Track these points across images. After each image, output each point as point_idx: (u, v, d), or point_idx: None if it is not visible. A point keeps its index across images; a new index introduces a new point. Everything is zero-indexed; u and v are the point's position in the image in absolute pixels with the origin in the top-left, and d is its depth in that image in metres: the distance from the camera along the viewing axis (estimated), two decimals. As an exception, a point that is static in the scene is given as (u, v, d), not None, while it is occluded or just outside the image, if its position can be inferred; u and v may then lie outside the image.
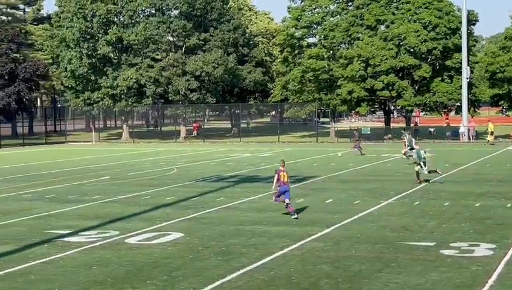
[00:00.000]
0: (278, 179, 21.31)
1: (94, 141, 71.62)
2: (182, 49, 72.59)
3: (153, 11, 74.29)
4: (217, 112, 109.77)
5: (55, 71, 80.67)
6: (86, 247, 17.23)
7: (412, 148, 37.52)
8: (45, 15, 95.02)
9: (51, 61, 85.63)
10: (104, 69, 72.10)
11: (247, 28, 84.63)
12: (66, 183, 32.09)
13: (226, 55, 71.68)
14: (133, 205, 24.43)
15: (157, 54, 72.26)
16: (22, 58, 72.95)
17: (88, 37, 71.26)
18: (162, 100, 74.51)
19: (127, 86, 70.67)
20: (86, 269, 14.94)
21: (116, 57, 73.66)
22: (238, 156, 48.42)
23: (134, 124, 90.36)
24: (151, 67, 71.09)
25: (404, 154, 40.19)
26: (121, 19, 73.20)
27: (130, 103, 73.05)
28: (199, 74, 70.20)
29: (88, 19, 70.59)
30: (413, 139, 40.65)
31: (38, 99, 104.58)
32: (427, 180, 29.65)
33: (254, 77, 76.58)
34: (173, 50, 72.41)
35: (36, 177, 35.12)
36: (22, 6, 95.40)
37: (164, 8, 73.16)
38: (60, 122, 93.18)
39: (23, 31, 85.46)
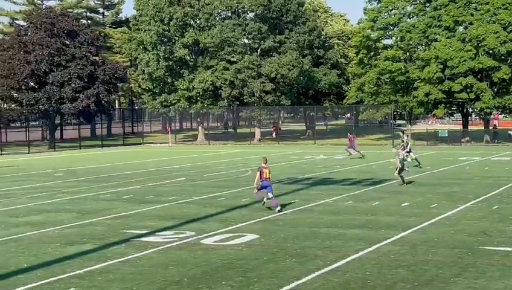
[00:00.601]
0: (261, 176, 23.47)
1: (170, 142, 72.50)
2: (257, 52, 72.85)
3: (229, 14, 74.76)
4: (292, 114, 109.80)
5: (133, 74, 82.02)
6: (162, 247, 17.44)
7: (409, 151, 38.74)
8: (123, 18, 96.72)
9: (129, 64, 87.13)
10: (181, 72, 72.94)
11: (323, 30, 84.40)
12: (143, 184, 32.57)
13: (301, 57, 71.64)
14: (208, 206, 24.62)
15: (233, 56, 72.71)
16: (101, 61, 74.37)
17: (165, 40, 72.20)
18: (237, 102, 74.93)
19: (203, 88, 71.31)
20: (162, 268, 15.13)
21: (192, 60, 74.43)
22: (313, 158, 48.29)
23: (210, 126, 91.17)
24: (227, 69, 71.55)
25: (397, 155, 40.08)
26: (197, 22, 73.91)
27: (205, 105, 73.69)
28: (274, 76, 70.34)
29: (165, 22, 71.51)
30: (409, 142, 41.55)
31: (117, 102, 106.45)
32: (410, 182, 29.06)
33: (329, 79, 76.31)
34: (248, 52, 72.73)
35: (114, 178, 35.74)
36: (101, 10, 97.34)
37: (240, 10, 73.57)
38: (137, 124, 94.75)
39: (102, 34, 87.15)
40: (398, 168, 30.56)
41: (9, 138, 69.86)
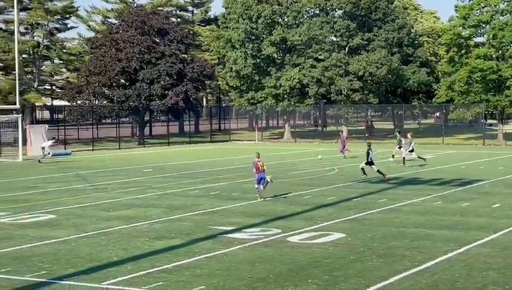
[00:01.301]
0: (256, 168, 25.81)
1: (257, 139, 72.83)
2: (345, 49, 72.43)
3: (317, 12, 74.55)
4: (379, 113, 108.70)
5: (220, 71, 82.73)
6: (249, 244, 17.55)
7: (412, 150, 39.93)
8: (212, 16, 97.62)
9: (217, 61, 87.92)
10: (268, 69, 73.16)
11: (412, 28, 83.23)
12: (230, 181, 32.83)
13: (389, 55, 70.86)
14: (294, 204, 24.64)
15: (320, 54, 72.43)
16: (189, 58, 75.27)
17: (253, 37, 72.55)
18: (324, 100, 74.66)
19: (290, 86, 71.35)
20: (249, 265, 15.22)
21: (279, 57, 74.56)
22: (400, 157, 47.63)
23: (296, 123, 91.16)
24: (314, 67, 71.37)
25: (393, 156, 41.81)
26: (285, 20, 73.98)
27: (292, 103, 73.68)
28: (362, 74, 69.81)
29: (253, 20, 71.86)
30: (402, 139, 42.49)
31: (204, 99, 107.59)
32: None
33: (418, 78, 75.24)
34: (336, 50, 72.37)
35: (202, 174, 36.14)
36: (190, 8, 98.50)
37: (328, 8, 73.28)
38: (225, 121, 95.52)
39: (191, 32, 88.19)
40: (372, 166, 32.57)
41: (101, 134, 71.47)
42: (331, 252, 16.49)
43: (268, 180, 26.16)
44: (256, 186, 26.11)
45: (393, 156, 44.00)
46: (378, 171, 32.64)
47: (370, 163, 32.94)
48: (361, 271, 14.61)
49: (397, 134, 44.90)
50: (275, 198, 26.24)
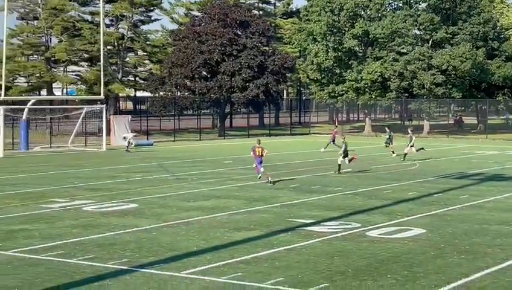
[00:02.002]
0: (255, 154, 29.39)
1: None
2: (428, 43, 71.31)
3: (400, 4, 73.59)
4: (462, 108, 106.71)
5: (301, 64, 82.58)
6: (328, 237, 17.53)
7: (412, 146, 40.36)
8: (294, 9, 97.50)
9: (298, 54, 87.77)
10: (349, 63, 72.65)
11: (498, 21, 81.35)
12: (309, 174, 32.81)
13: (474, 49, 69.45)
14: (374, 199, 24.48)
15: (403, 48, 71.46)
16: (271, 51, 75.35)
17: (335, 30, 72.15)
18: (406, 94, 73.69)
19: (371, 79, 70.69)
20: (327, 258, 15.20)
21: (361, 51, 73.95)
22: (484, 153, 46.78)
23: (377, 117, 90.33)
24: (396, 61, 70.52)
25: (393, 151, 41.71)
26: (368, 13, 73.31)
27: (373, 97, 73.02)
28: (445, 68, 68.63)
29: (335, 12, 71.47)
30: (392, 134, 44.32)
31: (285, 92, 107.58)
32: None
33: (503, 72, 73.44)
34: (419, 44, 71.31)
35: (281, 167, 36.19)
36: (272, 1, 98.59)
37: (412, 1, 72.25)
38: (305, 114, 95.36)
39: (273, 24, 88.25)
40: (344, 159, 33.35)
41: (182, 125, 72.32)
42: (411, 248, 16.33)
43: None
44: (255, 166, 29.92)
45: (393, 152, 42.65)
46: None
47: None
48: (441, 267, 14.42)
49: (387, 129, 45.47)
50: (356, 192, 26.10)
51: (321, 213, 21.16)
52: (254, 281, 13.29)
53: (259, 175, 29.67)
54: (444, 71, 69.04)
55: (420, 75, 69.49)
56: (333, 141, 46.17)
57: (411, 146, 40.59)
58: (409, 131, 42.76)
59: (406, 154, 40.52)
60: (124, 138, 48.08)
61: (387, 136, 44.15)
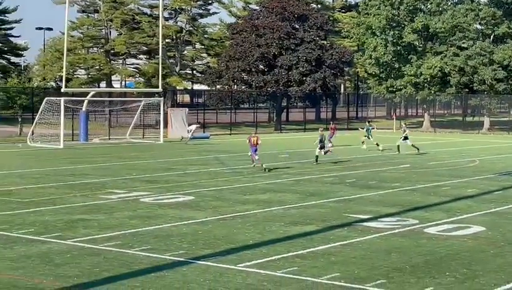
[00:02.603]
0: (250, 143, 31.62)
1: (395, 128, 71.80)
2: (489, 38, 70.16)
3: (462, -1, 72.63)
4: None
5: (359, 58, 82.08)
6: (385, 233, 17.36)
7: (406, 138, 41.53)
8: (353, 3, 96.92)
9: (356, 48, 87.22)
10: (408, 57, 71.90)
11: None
12: (366, 169, 32.57)
13: (537, 44, 68.09)
14: (432, 195, 24.18)
15: (464, 43, 70.48)
16: (328, 45, 75.04)
17: (394, 24, 71.46)
18: (466, 90, 72.63)
19: (431, 74, 69.86)
20: (385, 255, 15.05)
21: (421, 45, 73.12)
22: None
23: (436, 113, 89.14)
24: (457, 55, 69.55)
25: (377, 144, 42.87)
26: (428, 7, 72.45)
27: (432, 92, 72.18)
28: (507, 64, 67.44)
29: (395, 6, 70.79)
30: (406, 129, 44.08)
31: (342, 86, 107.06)
32: None
33: None
34: (480, 38, 70.20)
35: (338, 161, 36.00)
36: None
37: (473, -5, 71.23)
38: (362, 109, 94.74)
39: (331, 18, 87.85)
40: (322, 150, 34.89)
41: (238, 118, 72.51)
42: (470, 246, 16.07)
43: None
44: (250, 154, 32.24)
45: (363, 143, 45.03)
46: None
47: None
48: (501, 266, 14.16)
49: (367, 124, 46.98)
50: (414, 188, 25.81)
51: (378, 209, 20.98)
52: (310, 275, 13.22)
53: (254, 163, 31.88)
54: (505, 67, 67.87)
55: (481, 70, 68.42)
56: (331, 137, 45.29)
57: (404, 139, 41.87)
58: (403, 125, 44.15)
59: (398, 146, 41.69)
60: (188, 131, 48.46)
61: (367, 129, 45.33)
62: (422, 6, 72.56)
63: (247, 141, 32.28)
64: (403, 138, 42.06)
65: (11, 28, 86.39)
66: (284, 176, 29.24)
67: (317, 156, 34.60)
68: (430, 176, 30.15)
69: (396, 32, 71.23)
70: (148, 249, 15.13)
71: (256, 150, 31.67)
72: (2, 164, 32.88)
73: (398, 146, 41.62)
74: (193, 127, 48.96)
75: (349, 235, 17.08)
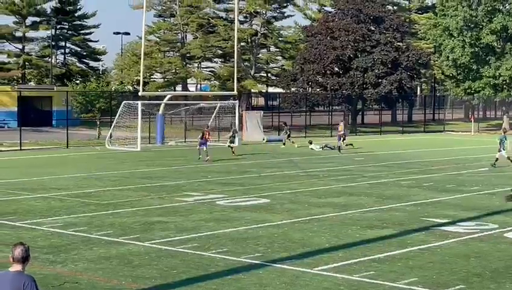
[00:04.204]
0: (203, 136, 35.95)
1: (473, 131, 70.53)
2: None
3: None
4: None
5: (436, 60, 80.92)
6: (463, 238, 17.07)
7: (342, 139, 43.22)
8: (430, 4, 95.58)
9: (432, 50, 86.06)
10: (487, 58, 70.55)
11: None
12: (444, 173, 32.10)
13: None
14: (514, 199, 23.63)
15: (544, 43, 68.85)
16: (405, 46, 74.25)
17: (472, 25, 70.20)
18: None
19: (510, 76, 68.40)
20: (463, 259, 14.79)
21: (499, 46, 71.67)
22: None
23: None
24: (537, 56, 67.96)
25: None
26: (507, 7, 70.96)
27: (511, 94, 70.66)
28: None
29: (473, 7, 69.55)
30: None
31: (418, 88, 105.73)
32: None
33: None
34: (562, 39, 68.45)
35: (414, 165, 35.60)
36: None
37: (554, -6, 69.45)
38: (439, 111, 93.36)
39: (407, 20, 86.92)
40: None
41: (313, 121, 72.33)
42: (553, 252, 15.66)
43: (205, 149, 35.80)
44: (198, 148, 36.39)
45: (283, 144, 47.40)
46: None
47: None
48: None
49: (283, 126, 48.97)
50: (493, 192, 25.29)
51: (456, 213, 20.64)
52: (387, 280, 13.10)
53: (200, 155, 35.88)
54: None
55: (562, 71, 66.62)
56: (343, 139, 44.37)
57: (343, 140, 43.53)
58: (341, 124, 44.80)
59: (339, 147, 43.06)
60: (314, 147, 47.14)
61: (285, 132, 46.69)
62: (501, 7, 71.08)
63: (200, 135, 36.79)
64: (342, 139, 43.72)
65: (90, 33, 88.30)
66: (359, 179, 29.02)
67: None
68: (510, 179, 29.45)
69: (474, 33, 69.93)
70: (225, 252, 15.22)
71: (205, 143, 35.91)
72: (81, 166, 33.59)
73: (339, 147, 43.19)
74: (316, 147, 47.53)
75: (427, 239, 16.85)
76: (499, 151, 34.56)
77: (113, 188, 25.70)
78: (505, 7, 71.12)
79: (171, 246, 15.81)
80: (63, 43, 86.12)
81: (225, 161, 37.09)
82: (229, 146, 40.57)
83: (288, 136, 48.24)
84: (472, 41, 69.80)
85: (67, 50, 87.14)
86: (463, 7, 69.53)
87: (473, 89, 71.60)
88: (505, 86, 70.05)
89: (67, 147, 44.70)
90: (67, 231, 17.43)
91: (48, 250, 15.31)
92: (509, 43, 70.90)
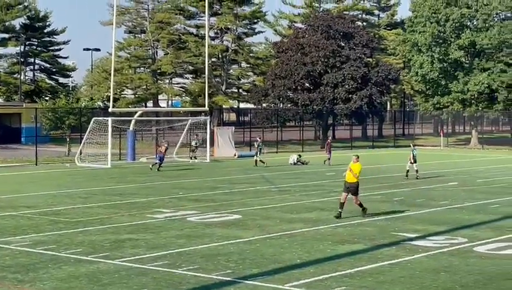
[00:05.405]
0: (159, 151, 41.55)
1: (442, 145, 71.14)
2: (538, 53, 69.26)
3: (509, 14, 71.80)
4: None
5: (406, 75, 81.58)
6: (433, 252, 17.17)
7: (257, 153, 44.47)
8: (398, 20, 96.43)
9: (402, 65, 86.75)
10: (455, 74, 71.26)
11: None
12: (414, 187, 32.29)
13: None
14: (481, 213, 23.88)
15: (511, 59, 69.64)
16: (374, 62, 74.77)
17: (440, 41, 70.91)
18: (514, 106, 71.73)
19: (478, 91, 69.16)
20: (433, 274, 14.87)
21: (467, 62, 72.46)
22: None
23: (484, 129, 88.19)
24: (504, 72, 68.74)
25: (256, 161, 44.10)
26: (475, 23, 71.80)
27: (480, 109, 71.41)
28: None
29: (441, 23, 70.26)
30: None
31: (388, 103, 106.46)
32: None
33: None
34: (528, 54, 69.37)
35: (384, 179, 35.79)
36: (376, 12, 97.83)
37: (521, 10, 70.40)
38: (409, 126, 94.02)
39: (376, 36, 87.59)
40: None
41: (284, 136, 72.46)
42: (522, 265, 15.80)
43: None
44: (156, 161, 40.73)
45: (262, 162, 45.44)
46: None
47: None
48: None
49: (258, 139, 46.88)
50: (462, 206, 25.48)
51: (426, 227, 20.76)
52: (358, 295, 13.12)
53: (152, 165, 40.54)
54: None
55: (529, 86, 67.52)
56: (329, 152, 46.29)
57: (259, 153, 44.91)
58: (258, 139, 46.18)
59: (256, 161, 44.22)
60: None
61: (258, 146, 45.56)
62: (469, 23, 71.91)
63: (158, 149, 42.64)
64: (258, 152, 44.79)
65: (60, 49, 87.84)
66: (330, 194, 29.07)
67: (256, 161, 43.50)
68: (479, 193, 29.76)
69: (443, 49, 70.64)
70: (196, 269, 15.15)
71: (161, 158, 40.56)
72: (51, 184, 33.32)
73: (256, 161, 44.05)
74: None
75: (397, 254, 16.92)
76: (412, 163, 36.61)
77: (83, 205, 25.51)
78: (473, 23, 71.96)
79: (142, 263, 15.71)
80: (32, 60, 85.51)
81: (200, 177, 37.02)
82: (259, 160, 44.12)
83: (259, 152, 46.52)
84: (440, 57, 70.50)
85: (36, 66, 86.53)
86: (431, 23, 70.25)
87: (442, 104, 72.28)
88: (473, 101, 70.78)
89: (36, 164, 44.33)
90: (36, 249, 17.25)
91: (16, 269, 15.14)
92: (477, 59, 71.73)
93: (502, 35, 68.40)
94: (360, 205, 22.68)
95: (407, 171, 36.51)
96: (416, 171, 36.36)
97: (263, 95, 70.83)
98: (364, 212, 22.57)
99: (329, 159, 45.75)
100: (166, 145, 42.40)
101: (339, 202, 22.54)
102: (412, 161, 36.62)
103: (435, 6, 70.38)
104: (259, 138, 48.01)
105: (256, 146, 46.05)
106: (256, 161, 44.31)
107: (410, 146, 39.88)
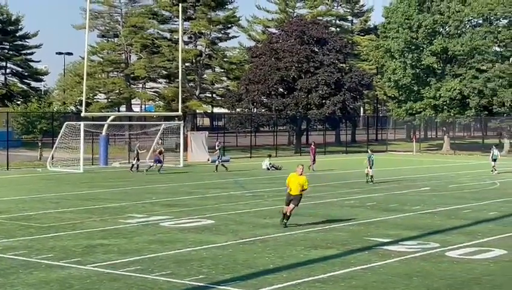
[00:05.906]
0: (155, 153, 42.76)
1: (415, 151, 71.59)
2: (509, 60, 69.93)
3: (480, 21, 72.49)
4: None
5: (379, 81, 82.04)
6: (406, 257, 17.23)
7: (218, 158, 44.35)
8: (372, 26, 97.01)
9: (375, 71, 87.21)
10: (427, 80, 71.79)
11: None
12: (386, 193, 32.42)
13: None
14: (453, 218, 24.02)
15: (483, 65, 70.32)
16: (348, 68, 75.10)
17: (413, 47, 71.44)
18: (486, 112, 72.37)
19: (450, 97, 69.71)
20: (405, 279, 14.93)
21: (440, 68, 73.03)
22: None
23: (456, 135, 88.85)
24: (476, 78, 69.37)
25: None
26: (447, 29, 72.41)
27: (452, 114, 71.98)
28: (527, 86, 67.17)
29: (414, 29, 70.78)
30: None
31: (362, 109, 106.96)
32: None
33: None
34: (500, 61, 70.02)
35: (358, 185, 35.90)
36: (350, 17, 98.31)
37: (492, 17, 71.09)
38: (382, 132, 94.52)
39: (350, 41, 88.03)
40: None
41: (258, 141, 72.49)
42: (493, 269, 15.91)
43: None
44: (152, 164, 42.53)
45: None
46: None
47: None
48: (525, 291, 14.00)
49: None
50: (434, 211, 25.63)
51: (399, 232, 20.84)
52: (331, 300, 13.13)
53: (146, 169, 41.86)
54: (525, 88, 67.53)
55: (500, 92, 68.25)
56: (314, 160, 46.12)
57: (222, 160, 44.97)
58: (217, 144, 46.22)
59: (217, 166, 43.67)
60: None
61: (219, 150, 45.53)
62: (441, 29, 72.50)
63: (155, 152, 43.38)
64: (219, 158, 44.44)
65: (32, 53, 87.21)
66: (303, 200, 29.02)
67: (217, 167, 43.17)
68: (451, 198, 29.96)
69: (415, 55, 71.17)
70: (168, 274, 15.09)
71: (157, 160, 41.97)
72: (22, 188, 33.05)
73: (217, 166, 43.75)
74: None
75: (370, 259, 16.96)
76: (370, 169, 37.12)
77: (55, 210, 25.30)
78: (445, 29, 72.55)
79: (114, 269, 15.60)
80: (3, 63, 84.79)
81: (173, 182, 36.90)
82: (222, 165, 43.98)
83: (219, 157, 45.10)
84: (413, 63, 71.01)
85: (8, 70, 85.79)
86: (404, 29, 70.75)
87: (415, 109, 72.76)
88: (445, 107, 71.31)
89: (7, 168, 43.97)
90: (6, 255, 17.07)
91: (-13, 274, 14.98)
92: (449, 65, 72.31)
93: (473, 41, 69.02)
94: (289, 216, 21.75)
95: (367, 175, 37.17)
96: (371, 176, 36.91)
97: (237, 100, 70.84)
98: (284, 223, 21.65)
99: (313, 163, 45.50)
100: (161, 148, 43.56)
101: (282, 213, 22.05)
102: (369, 166, 37.08)
103: (407, 13, 70.89)
104: (220, 142, 47.95)
105: (217, 150, 45.32)
106: (217, 166, 43.99)
107: (368, 152, 40.45)
